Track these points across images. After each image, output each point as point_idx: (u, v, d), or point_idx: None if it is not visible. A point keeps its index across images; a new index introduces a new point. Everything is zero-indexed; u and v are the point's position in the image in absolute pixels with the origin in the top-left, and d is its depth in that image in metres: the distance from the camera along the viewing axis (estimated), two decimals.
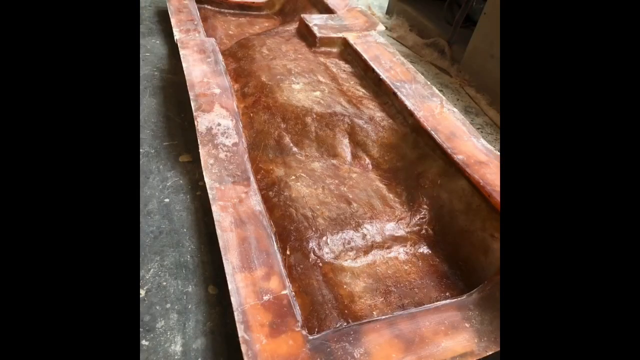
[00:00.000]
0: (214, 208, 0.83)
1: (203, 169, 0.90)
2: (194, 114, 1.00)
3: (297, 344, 0.65)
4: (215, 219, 0.81)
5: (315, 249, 0.86)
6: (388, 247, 0.90)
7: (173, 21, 1.47)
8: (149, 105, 1.23)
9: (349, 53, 1.34)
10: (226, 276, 0.73)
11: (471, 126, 1.03)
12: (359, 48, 1.29)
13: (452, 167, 0.94)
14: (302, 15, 1.46)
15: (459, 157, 0.93)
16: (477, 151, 0.96)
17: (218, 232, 0.79)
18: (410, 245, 0.92)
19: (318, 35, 1.34)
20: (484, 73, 1.59)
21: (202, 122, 0.98)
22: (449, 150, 0.95)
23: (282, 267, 0.75)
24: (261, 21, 1.77)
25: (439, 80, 1.70)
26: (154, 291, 0.79)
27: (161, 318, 0.76)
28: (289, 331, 0.66)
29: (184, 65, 1.13)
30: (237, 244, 0.77)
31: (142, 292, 0.79)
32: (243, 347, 0.64)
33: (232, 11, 1.78)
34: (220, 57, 1.21)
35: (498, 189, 0.86)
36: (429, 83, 1.17)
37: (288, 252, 0.85)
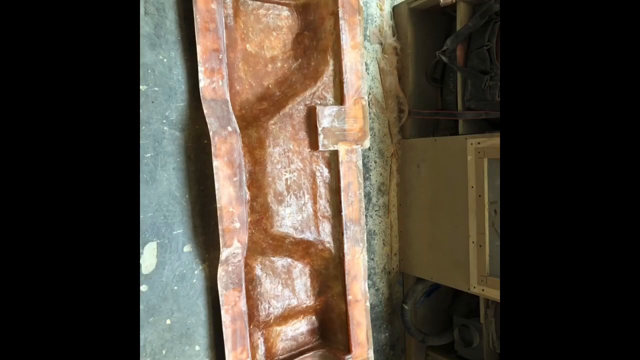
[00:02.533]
0: (222, 311, 1.38)
1: (218, 279, 1.36)
2: (221, 248, 1.36)
3: None
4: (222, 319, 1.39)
5: (263, 324, 1.56)
6: (299, 312, 1.64)
7: (199, 50, 1.28)
8: None
9: (334, 167, 1.65)
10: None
11: (366, 272, 1.65)
12: (341, 169, 1.62)
13: (343, 293, 1.59)
14: (317, 109, 1.61)
15: (348, 297, 1.59)
16: (359, 292, 1.62)
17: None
18: (309, 314, 1.67)
19: (320, 148, 1.59)
20: (404, 155, 1.89)
21: (224, 253, 1.39)
22: (347, 287, 1.58)
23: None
24: (282, 25, 1.63)
25: (380, 146, 1.88)
26: None
27: None
28: None
29: (216, 185, 1.35)
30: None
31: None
32: None
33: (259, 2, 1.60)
34: (244, 176, 1.48)
35: (354, 321, 1.60)
36: (365, 227, 1.67)
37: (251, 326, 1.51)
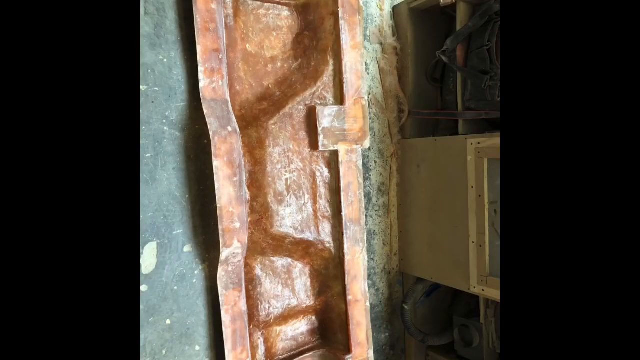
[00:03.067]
0: (222, 310, 1.38)
1: (218, 279, 1.36)
2: (221, 248, 1.36)
3: None
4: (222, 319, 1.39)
5: (263, 324, 1.55)
6: (299, 312, 1.64)
7: (199, 50, 1.28)
8: None
9: (334, 167, 1.65)
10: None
11: (366, 272, 1.64)
12: (341, 169, 1.62)
13: (343, 293, 1.59)
14: (317, 109, 1.66)
15: (348, 297, 1.58)
16: (359, 292, 1.62)
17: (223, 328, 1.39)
18: (309, 314, 1.67)
19: (320, 148, 1.59)
20: (404, 155, 1.90)
21: (224, 253, 1.39)
22: (347, 287, 1.57)
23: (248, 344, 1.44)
24: (282, 25, 1.63)
25: (380, 146, 1.89)
26: None
27: None
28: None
29: (216, 185, 1.34)
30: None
31: None
32: None
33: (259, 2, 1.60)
34: (244, 176, 1.49)
35: (354, 321, 1.60)
36: (365, 227, 1.67)
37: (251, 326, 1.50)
